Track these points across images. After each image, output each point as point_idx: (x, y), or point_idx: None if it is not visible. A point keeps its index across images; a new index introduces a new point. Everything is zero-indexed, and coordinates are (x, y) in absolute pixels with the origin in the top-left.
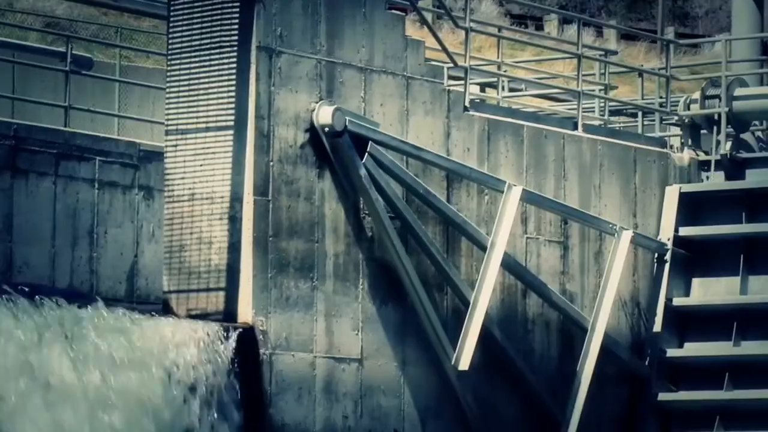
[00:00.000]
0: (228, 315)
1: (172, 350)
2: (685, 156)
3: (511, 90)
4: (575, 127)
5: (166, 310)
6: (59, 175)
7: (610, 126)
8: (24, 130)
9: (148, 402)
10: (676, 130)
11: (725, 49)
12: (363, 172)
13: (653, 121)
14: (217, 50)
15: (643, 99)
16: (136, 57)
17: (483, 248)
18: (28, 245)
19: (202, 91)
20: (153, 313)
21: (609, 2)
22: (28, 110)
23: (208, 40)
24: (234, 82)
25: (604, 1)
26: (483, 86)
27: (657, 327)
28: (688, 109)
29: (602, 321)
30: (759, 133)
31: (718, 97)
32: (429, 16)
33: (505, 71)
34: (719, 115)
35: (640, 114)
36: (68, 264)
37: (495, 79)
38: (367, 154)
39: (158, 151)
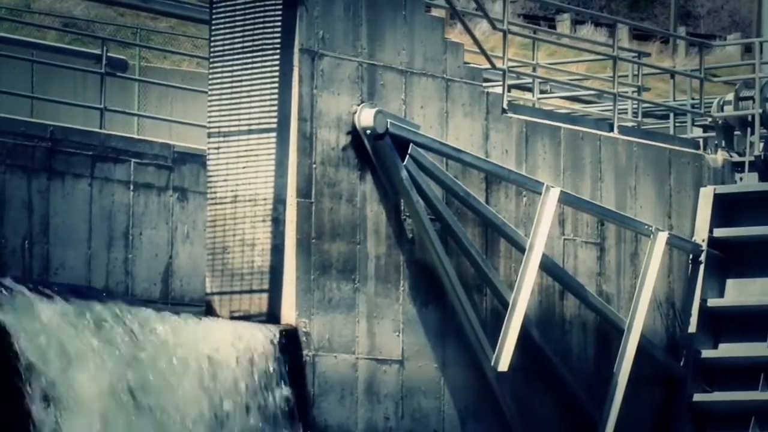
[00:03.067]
0: (271, 317)
1: (221, 351)
2: (719, 157)
3: (541, 92)
4: (611, 129)
5: (208, 311)
6: (95, 177)
7: (644, 128)
8: (60, 132)
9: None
10: (699, 132)
11: (758, 50)
12: (404, 174)
13: (684, 122)
14: (260, 53)
15: (675, 100)
16: (153, 58)
17: (521, 250)
18: (65, 247)
19: (244, 94)
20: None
21: (611, 2)
22: (47, 111)
23: (251, 43)
24: (276, 85)
25: (606, 1)
26: (509, 88)
27: (692, 328)
28: (722, 111)
29: (638, 322)
30: None
31: (751, 98)
32: (444, 13)
33: (534, 72)
34: (753, 116)
35: (671, 115)
36: (104, 265)
37: (523, 81)
38: (408, 156)
39: (192, 152)
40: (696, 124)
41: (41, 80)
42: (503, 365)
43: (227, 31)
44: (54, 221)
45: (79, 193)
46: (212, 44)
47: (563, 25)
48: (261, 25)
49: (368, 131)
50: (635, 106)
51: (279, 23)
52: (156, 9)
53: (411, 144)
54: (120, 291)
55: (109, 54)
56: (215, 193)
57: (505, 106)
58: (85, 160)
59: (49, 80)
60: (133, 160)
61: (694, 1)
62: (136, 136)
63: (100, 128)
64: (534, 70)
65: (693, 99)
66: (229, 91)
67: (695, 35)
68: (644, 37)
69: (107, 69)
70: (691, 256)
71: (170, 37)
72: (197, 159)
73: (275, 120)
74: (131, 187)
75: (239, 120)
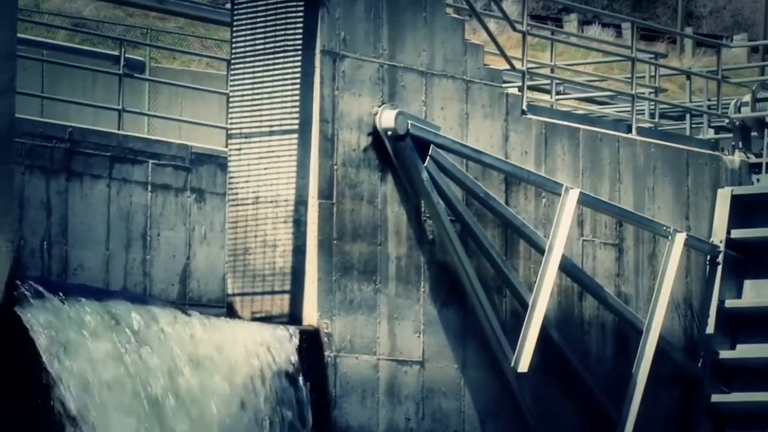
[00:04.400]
0: (293, 318)
1: (243, 352)
2: (736, 158)
3: (556, 93)
4: (629, 130)
5: (230, 312)
6: (113, 178)
7: (661, 129)
8: (78, 133)
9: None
10: (712, 133)
11: None
12: (425, 175)
13: (700, 123)
14: (281, 54)
15: (691, 101)
16: (163, 58)
17: (541, 251)
18: (83, 248)
19: (265, 95)
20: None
21: (614, 2)
22: (57, 111)
23: (272, 44)
24: (298, 86)
25: (609, 0)
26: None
27: (709, 329)
28: (739, 112)
29: (657, 323)
30: None
31: None
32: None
33: (552, 73)
34: None
35: (688, 116)
36: (122, 266)
37: (538, 82)
38: (428, 157)
39: (210, 153)
40: (711, 125)
41: (51, 81)
42: (523, 366)
43: (249, 32)
44: (72, 222)
45: (98, 194)
46: (234, 46)
47: (570, 25)
48: (282, 27)
49: (389, 132)
50: (651, 107)
51: (300, 25)
52: (171, 10)
53: (431, 145)
54: (138, 292)
55: (126, 55)
56: (236, 194)
57: (524, 107)
58: (103, 161)
59: (59, 80)
60: (150, 161)
61: (696, 1)
62: (153, 137)
63: (118, 129)
64: (552, 71)
65: (709, 100)
66: (250, 92)
67: (700, 35)
68: (651, 37)
69: (125, 70)
70: (708, 257)
71: (179, 37)
72: (215, 160)
73: (297, 121)
74: (149, 188)
75: (261, 121)
